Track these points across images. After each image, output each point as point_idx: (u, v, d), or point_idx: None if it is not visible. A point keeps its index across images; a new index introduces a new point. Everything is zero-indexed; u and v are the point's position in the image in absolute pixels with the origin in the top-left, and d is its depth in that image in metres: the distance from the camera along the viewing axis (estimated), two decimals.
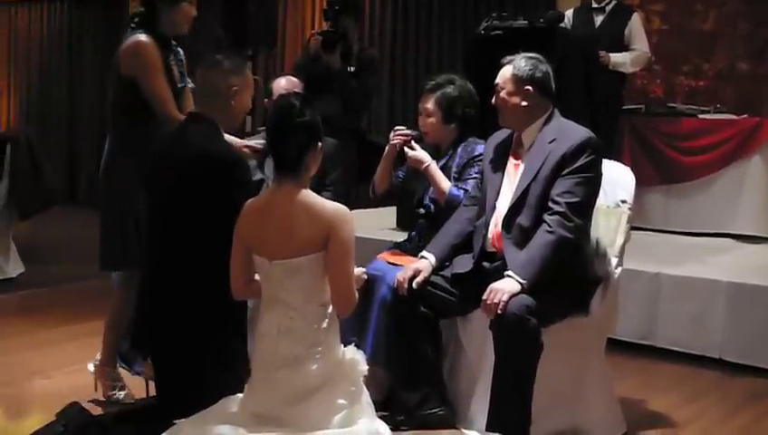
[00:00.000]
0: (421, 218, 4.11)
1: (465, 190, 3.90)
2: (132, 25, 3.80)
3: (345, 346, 2.96)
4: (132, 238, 3.75)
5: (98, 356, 3.96)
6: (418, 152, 4.01)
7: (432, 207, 4.04)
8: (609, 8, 6.37)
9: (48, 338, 4.92)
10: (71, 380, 4.18)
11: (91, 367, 3.96)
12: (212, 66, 3.33)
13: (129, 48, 3.70)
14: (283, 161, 2.91)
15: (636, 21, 6.40)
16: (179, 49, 3.91)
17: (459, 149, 4.03)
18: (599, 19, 6.38)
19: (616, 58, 6.23)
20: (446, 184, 3.95)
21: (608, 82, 6.15)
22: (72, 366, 4.35)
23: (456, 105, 4.02)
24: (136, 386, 3.92)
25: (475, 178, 3.91)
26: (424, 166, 3.99)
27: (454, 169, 4.01)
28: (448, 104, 4.02)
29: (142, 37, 3.69)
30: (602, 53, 6.14)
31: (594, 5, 6.41)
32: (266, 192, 2.98)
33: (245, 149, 3.85)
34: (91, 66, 10.63)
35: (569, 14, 6.47)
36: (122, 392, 3.91)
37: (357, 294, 2.91)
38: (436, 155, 4.09)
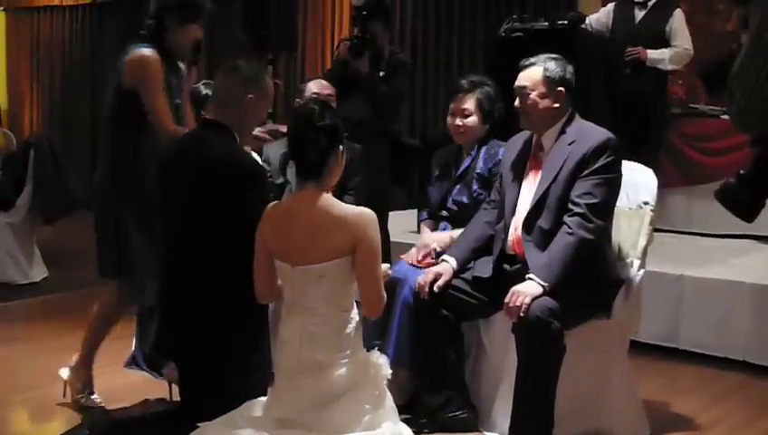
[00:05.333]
0: (443, 220, 4.10)
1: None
2: (140, 36, 3.82)
3: (368, 350, 2.96)
4: (128, 251, 3.75)
5: (73, 361, 3.97)
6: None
7: (456, 208, 4.03)
8: (651, 3, 6.11)
9: (72, 342, 4.90)
10: (95, 383, 4.19)
11: (65, 373, 3.94)
12: (231, 71, 3.31)
13: (134, 61, 3.73)
14: (305, 167, 2.90)
15: (679, 16, 6.11)
16: (181, 65, 3.93)
17: (482, 152, 3.99)
18: (639, 14, 6.14)
19: (653, 54, 5.98)
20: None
21: (642, 83, 5.90)
22: (95, 370, 4.36)
23: (495, 105, 3.99)
24: (160, 390, 3.93)
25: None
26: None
27: (477, 172, 3.97)
28: (489, 104, 3.97)
29: (147, 51, 3.72)
30: (638, 48, 5.93)
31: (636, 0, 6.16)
32: (289, 197, 2.97)
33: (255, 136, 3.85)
34: (113, 73, 10.66)
35: (610, 8, 6.27)
36: (91, 397, 3.89)
37: (385, 295, 2.92)
38: (458, 156, 4.06)
